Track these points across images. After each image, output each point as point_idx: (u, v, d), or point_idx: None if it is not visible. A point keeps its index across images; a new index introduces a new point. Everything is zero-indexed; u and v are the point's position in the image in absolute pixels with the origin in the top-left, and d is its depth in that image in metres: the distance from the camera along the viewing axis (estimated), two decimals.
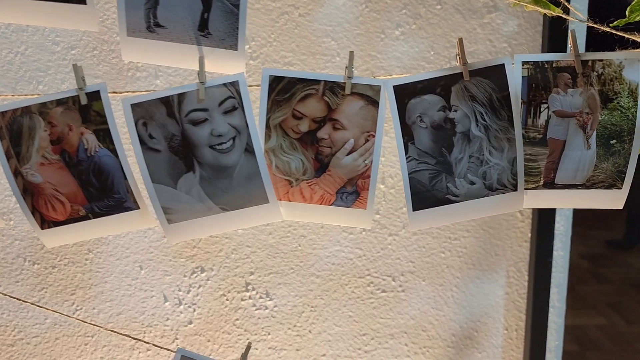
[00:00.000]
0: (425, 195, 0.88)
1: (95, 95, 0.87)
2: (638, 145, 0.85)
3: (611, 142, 0.87)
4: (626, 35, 0.81)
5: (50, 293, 1.63)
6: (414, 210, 0.89)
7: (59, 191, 0.89)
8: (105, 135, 0.87)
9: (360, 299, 1.64)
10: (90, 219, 0.91)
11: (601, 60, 0.84)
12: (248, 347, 0.93)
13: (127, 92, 0.87)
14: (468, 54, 1.54)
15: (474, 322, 1.65)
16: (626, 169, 0.87)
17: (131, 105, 0.86)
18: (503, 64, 0.85)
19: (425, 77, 0.85)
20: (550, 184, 0.89)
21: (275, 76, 0.86)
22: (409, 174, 0.88)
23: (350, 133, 0.87)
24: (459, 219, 0.91)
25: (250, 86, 0.87)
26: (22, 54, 1.51)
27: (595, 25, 0.82)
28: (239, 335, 1.66)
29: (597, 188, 0.88)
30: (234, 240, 1.60)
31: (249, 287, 1.64)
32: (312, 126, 0.88)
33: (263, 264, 1.62)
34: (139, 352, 1.65)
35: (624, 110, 0.85)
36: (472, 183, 0.88)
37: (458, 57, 0.84)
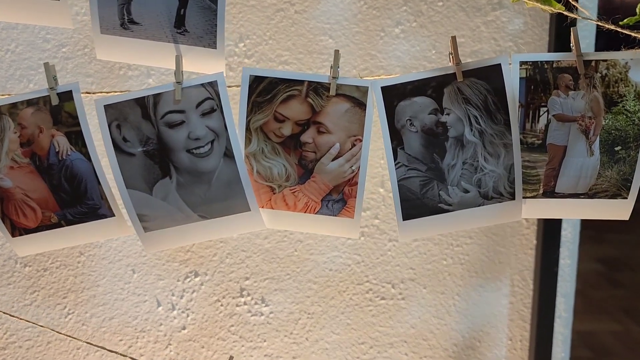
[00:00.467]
0: (415, 204, 0.83)
1: (67, 96, 0.83)
2: None
3: (616, 148, 0.80)
4: (632, 34, 0.75)
5: (42, 296, 1.60)
6: (404, 220, 0.84)
7: (29, 196, 0.85)
8: (77, 138, 0.83)
9: (358, 306, 1.59)
10: (63, 226, 0.86)
11: (605, 61, 0.78)
12: None
13: (101, 92, 0.83)
14: (472, 53, 1.48)
15: (476, 332, 1.59)
16: (632, 178, 0.81)
17: (104, 106, 0.82)
18: (499, 64, 0.79)
19: (415, 77, 0.79)
20: (550, 193, 0.83)
21: (255, 76, 0.81)
22: (398, 181, 0.82)
23: (335, 137, 0.82)
24: (452, 229, 0.85)
25: (230, 87, 0.82)
26: (13, 52, 1.47)
27: (598, 23, 0.76)
28: (233, 342, 1.62)
29: (600, 197, 0.82)
30: (228, 244, 1.56)
31: (244, 293, 1.59)
32: (295, 130, 0.82)
33: (258, 269, 1.57)
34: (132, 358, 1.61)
35: (629, 115, 0.79)
36: (466, 191, 0.83)
37: (451, 56, 0.78)
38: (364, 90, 0.80)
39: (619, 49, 0.80)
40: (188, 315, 1.60)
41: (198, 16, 0.79)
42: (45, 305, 1.60)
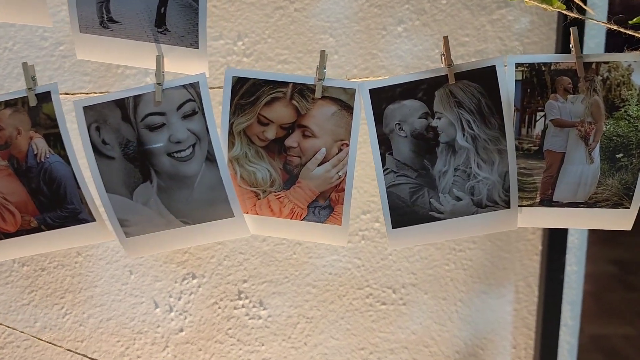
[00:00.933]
0: (405, 211, 0.79)
1: (46, 97, 0.80)
2: None
3: (617, 155, 0.76)
4: (637, 35, 0.70)
5: (39, 296, 1.59)
6: (393, 228, 0.80)
7: (8, 200, 0.83)
8: (56, 140, 0.80)
9: (358, 311, 1.56)
10: (43, 230, 0.84)
11: (607, 63, 0.74)
12: None
13: (80, 93, 0.80)
14: (476, 53, 1.44)
15: (479, 339, 1.55)
16: (635, 187, 0.76)
17: (83, 108, 0.79)
18: (494, 66, 0.75)
19: (405, 80, 0.76)
20: (547, 202, 0.79)
21: (239, 77, 0.78)
22: (386, 188, 0.78)
23: (321, 141, 0.78)
24: (444, 238, 0.81)
25: (213, 88, 0.79)
26: (10, 50, 1.46)
27: (600, 22, 0.72)
28: (231, 345, 1.59)
29: (601, 207, 0.78)
30: (226, 246, 1.53)
31: (242, 296, 1.56)
32: (280, 133, 0.79)
33: (257, 272, 1.54)
34: (129, 359, 1.60)
35: (632, 120, 0.74)
36: (459, 199, 0.79)
37: (443, 57, 0.74)
38: (351, 93, 0.77)
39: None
40: (185, 318, 1.58)
41: (179, 15, 0.76)
42: (43, 305, 1.58)
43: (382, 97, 0.76)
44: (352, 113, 0.77)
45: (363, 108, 0.77)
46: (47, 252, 1.45)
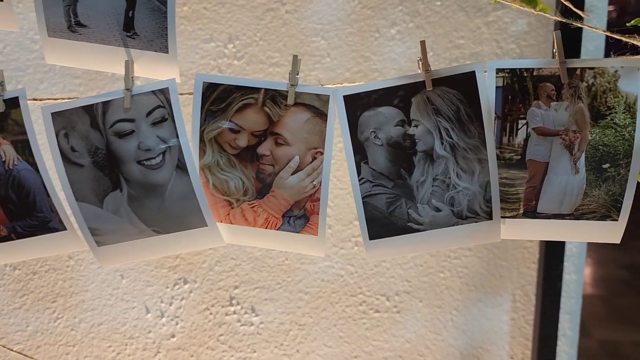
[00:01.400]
0: (382, 223, 0.76)
1: (14, 103, 0.78)
2: (637, 170, 0.70)
3: (604, 166, 0.72)
4: (623, 39, 0.67)
5: (31, 300, 1.58)
6: (370, 239, 0.77)
7: None
8: (24, 147, 0.78)
9: (351, 318, 1.53)
10: (13, 239, 0.82)
11: (592, 69, 0.70)
12: None
13: (49, 99, 0.78)
14: (471, 56, 1.40)
15: (475, 349, 1.51)
16: (623, 198, 0.72)
17: (52, 114, 0.77)
18: (473, 72, 0.71)
19: (380, 86, 0.72)
20: (531, 213, 0.75)
21: (209, 83, 0.75)
22: (362, 198, 0.75)
23: (294, 149, 0.76)
24: (424, 250, 0.78)
25: (182, 94, 0.76)
26: (1, 53, 1.45)
27: (586, 26, 0.68)
28: (223, 352, 1.57)
29: (588, 219, 0.74)
30: (218, 251, 1.51)
31: (234, 302, 1.54)
32: (252, 141, 0.76)
33: (248, 278, 1.52)
34: None
35: (618, 129, 0.71)
36: (438, 210, 0.76)
37: (420, 62, 0.71)
38: (325, 100, 0.74)
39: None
40: (177, 323, 1.56)
41: (147, 18, 0.74)
42: (35, 309, 1.57)
43: (357, 104, 0.73)
44: (326, 120, 0.74)
45: (337, 115, 0.74)
46: (15, 262, 1.44)
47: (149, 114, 0.76)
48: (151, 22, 0.74)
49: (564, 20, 0.73)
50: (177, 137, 0.76)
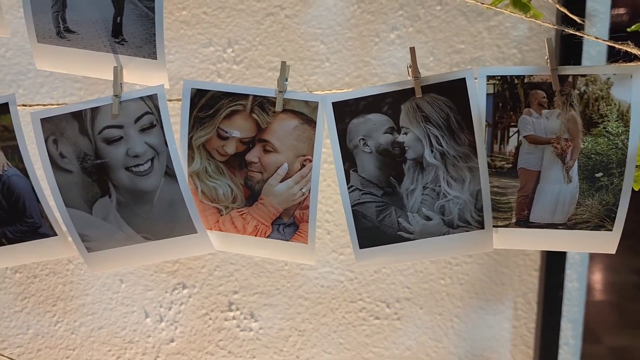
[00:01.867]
0: (372, 232, 0.75)
1: (3, 108, 0.78)
2: (631, 180, 0.69)
3: (596, 175, 0.71)
4: (617, 45, 0.65)
5: (32, 303, 1.58)
6: (360, 248, 0.76)
7: None
8: (14, 153, 0.78)
9: (351, 325, 1.51)
10: (4, 244, 0.82)
11: (584, 76, 0.69)
12: None
13: (38, 105, 0.78)
14: (472, 61, 1.39)
15: (476, 357, 1.49)
16: (617, 208, 0.71)
17: (41, 120, 0.77)
18: (464, 79, 0.70)
19: (369, 92, 0.72)
20: (524, 222, 0.74)
21: (197, 89, 0.75)
22: (351, 206, 0.75)
23: (283, 157, 0.75)
24: (415, 259, 0.77)
25: (170, 100, 0.76)
26: (3, 57, 1.45)
27: (577, 34, 0.67)
28: (222, 357, 1.56)
29: (581, 229, 0.73)
30: (217, 256, 1.51)
31: (233, 307, 1.53)
32: (240, 148, 0.76)
33: (248, 283, 1.51)
34: None
35: (611, 137, 0.69)
36: (428, 218, 0.74)
37: (409, 68, 0.70)
38: (314, 106, 0.73)
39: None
40: (176, 328, 1.55)
41: (136, 24, 0.73)
42: (36, 312, 1.58)
43: (345, 111, 0.72)
44: (315, 127, 0.73)
45: (326, 122, 0.73)
46: (5, 267, 1.44)
47: (137, 120, 0.76)
48: (139, 28, 0.73)
49: (557, 27, 0.72)
50: (166, 143, 0.76)
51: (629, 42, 0.65)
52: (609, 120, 0.69)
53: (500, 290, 1.46)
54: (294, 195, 0.76)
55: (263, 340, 1.54)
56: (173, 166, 0.76)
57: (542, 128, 0.70)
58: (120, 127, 0.76)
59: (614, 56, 0.69)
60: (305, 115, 0.73)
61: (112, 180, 0.78)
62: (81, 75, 0.78)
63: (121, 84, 0.76)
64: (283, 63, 0.72)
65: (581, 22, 0.74)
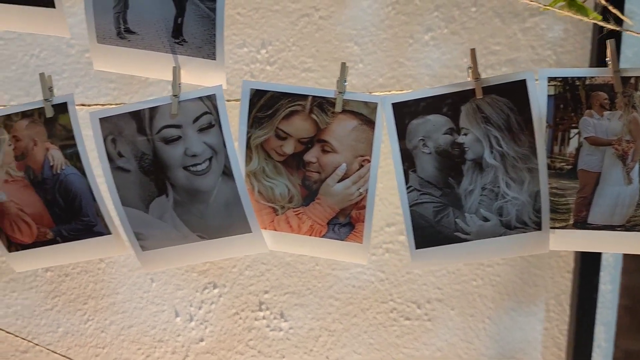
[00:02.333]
0: (429, 232, 0.76)
1: (62, 108, 0.79)
2: None
3: None
4: None
5: (62, 301, 1.59)
6: (417, 248, 0.77)
7: (24, 211, 0.82)
8: (72, 152, 0.79)
9: (382, 325, 1.52)
10: (58, 242, 0.83)
11: None
12: None
13: (96, 104, 0.79)
14: (507, 62, 1.39)
15: (507, 358, 1.50)
16: None
17: (99, 119, 0.78)
18: (524, 80, 0.71)
19: (429, 93, 0.72)
20: (581, 224, 0.74)
21: (257, 90, 0.75)
22: (410, 207, 0.75)
23: (341, 157, 0.75)
24: (470, 260, 0.77)
25: (230, 100, 0.76)
26: (37, 57, 1.46)
27: (634, 33, 0.67)
28: (252, 356, 1.57)
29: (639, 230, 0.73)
30: (248, 256, 1.51)
31: (263, 307, 1.54)
32: (298, 148, 0.76)
33: (278, 283, 1.52)
34: None
35: None
36: (486, 219, 0.75)
37: (470, 70, 0.71)
38: (373, 107, 0.73)
39: None
40: (206, 327, 1.56)
41: (196, 25, 0.74)
42: (66, 310, 1.59)
43: (405, 112, 0.73)
44: (374, 128, 0.74)
45: (385, 123, 0.74)
46: (60, 265, 1.45)
47: (195, 120, 0.76)
48: (200, 29, 0.74)
49: (608, 26, 0.72)
50: (224, 143, 0.76)
51: None
52: None
53: (532, 291, 1.46)
54: (351, 195, 0.77)
55: (293, 340, 1.54)
56: (230, 166, 0.77)
57: (604, 130, 0.71)
58: (178, 126, 0.77)
59: None
60: (365, 115, 0.74)
61: (169, 179, 0.78)
62: (139, 75, 0.79)
63: (179, 84, 0.77)
64: (343, 64, 0.73)
65: (627, 22, 0.74)
